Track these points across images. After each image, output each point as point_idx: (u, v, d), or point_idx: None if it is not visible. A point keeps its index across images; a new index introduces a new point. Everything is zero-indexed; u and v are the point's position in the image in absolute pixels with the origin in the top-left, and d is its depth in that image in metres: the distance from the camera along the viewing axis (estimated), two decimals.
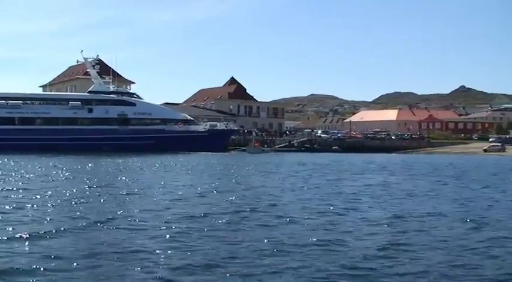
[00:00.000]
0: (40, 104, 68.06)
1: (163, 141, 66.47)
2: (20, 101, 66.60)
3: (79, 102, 67.45)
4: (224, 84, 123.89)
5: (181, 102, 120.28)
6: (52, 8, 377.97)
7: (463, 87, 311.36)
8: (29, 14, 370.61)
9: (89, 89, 70.47)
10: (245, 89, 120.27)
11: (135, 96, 72.40)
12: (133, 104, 68.85)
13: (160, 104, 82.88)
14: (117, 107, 68.06)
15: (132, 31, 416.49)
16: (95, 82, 70.41)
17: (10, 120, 65.05)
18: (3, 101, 65.89)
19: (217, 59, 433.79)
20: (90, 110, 67.49)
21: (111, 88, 70.49)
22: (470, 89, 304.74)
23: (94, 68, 70.88)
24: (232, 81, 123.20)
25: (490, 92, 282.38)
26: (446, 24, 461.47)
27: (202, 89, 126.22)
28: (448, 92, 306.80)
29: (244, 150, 72.99)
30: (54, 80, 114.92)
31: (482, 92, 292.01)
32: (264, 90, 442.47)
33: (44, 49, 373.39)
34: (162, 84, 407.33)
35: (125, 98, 69.55)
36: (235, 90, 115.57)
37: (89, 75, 72.46)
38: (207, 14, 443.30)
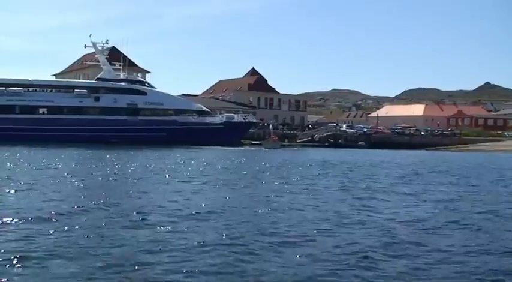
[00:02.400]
0: (43, 91, 62.99)
1: (176, 133, 61.11)
2: (21, 88, 61.50)
3: (85, 90, 62.27)
4: (244, 76, 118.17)
5: (199, 93, 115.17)
6: (78, 3, 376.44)
7: (488, 83, 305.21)
8: (55, 9, 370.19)
9: (97, 76, 65.33)
10: (266, 81, 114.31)
11: (147, 84, 67.07)
12: (144, 93, 63.41)
13: (178, 95, 77.66)
14: (127, 95, 62.65)
15: (155, 26, 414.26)
16: (103, 69, 65.08)
17: (10, 109, 59.83)
18: (3, 88, 60.90)
19: (238, 53, 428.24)
20: (97, 99, 62.17)
21: (121, 76, 65.17)
22: (496, 85, 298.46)
23: (103, 54, 65.69)
24: (253, 72, 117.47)
25: None
26: (472, 19, 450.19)
27: (221, 80, 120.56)
28: (473, 89, 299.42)
29: (260, 144, 66.47)
30: (67, 68, 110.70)
31: (507, 88, 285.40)
32: (285, 84, 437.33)
33: (68, 43, 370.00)
34: (182, 76, 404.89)
35: (135, 86, 64.05)
36: (256, 81, 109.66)
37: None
38: (229, 8, 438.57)
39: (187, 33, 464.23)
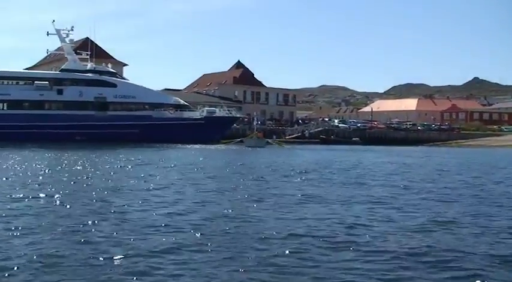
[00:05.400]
0: None
1: (149, 130, 54.54)
2: None
3: (46, 82, 55.16)
4: (230, 69, 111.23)
5: (182, 88, 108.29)
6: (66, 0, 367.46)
7: (476, 78, 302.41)
8: (42, 5, 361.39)
9: (61, 67, 58.32)
10: (252, 74, 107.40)
11: (117, 76, 60.21)
12: (114, 85, 56.48)
13: (160, 90, 70.79)
14: (94, 88, 55.75)
15: (142, 22, 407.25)
16: (68, 58, 58.06)
17: None
18: None
19: (225, 49, 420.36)
20: (60, 92, 55.13)
21: (89, 66, 58.05)
22: (484, 80, 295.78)
23: (68, 42, 58.60)
24: (238, 65, 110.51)
25: (504, 84, 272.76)
26: (459, 15, 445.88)
27: (206, 74, 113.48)
28: (461, 84, 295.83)
29: (242, 141, 58.67)
30: (40, 62, 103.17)
31: (496, 83, 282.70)
32: (273, 80, 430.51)
33: (54, 39, 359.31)
34: (167, 71, 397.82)
35: (104, 77, 56.96)
36: (241, 74, 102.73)
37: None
38: (219, 4, 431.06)
39: (175, 28, 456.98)
